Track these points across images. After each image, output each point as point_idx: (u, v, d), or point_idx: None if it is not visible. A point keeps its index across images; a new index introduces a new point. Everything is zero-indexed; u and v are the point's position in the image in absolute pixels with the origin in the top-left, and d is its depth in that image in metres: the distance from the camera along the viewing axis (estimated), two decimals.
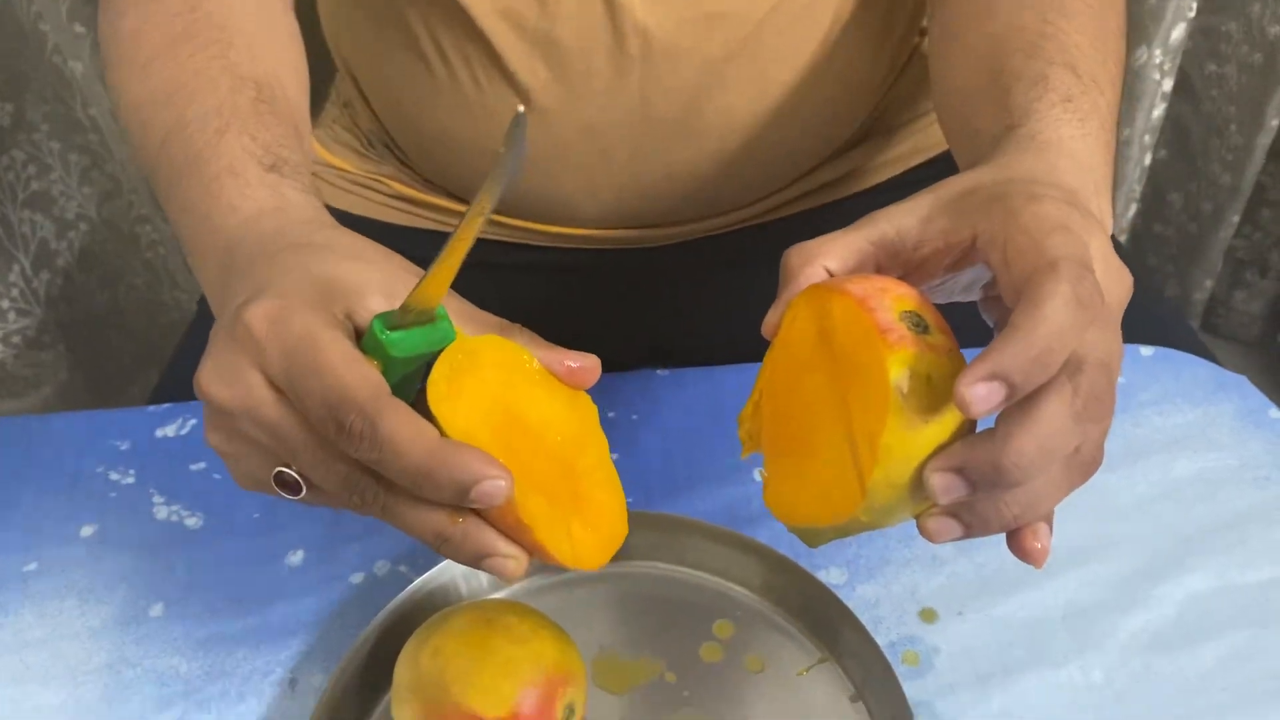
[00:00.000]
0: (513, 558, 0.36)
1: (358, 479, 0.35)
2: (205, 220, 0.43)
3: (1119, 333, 0.36)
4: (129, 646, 0.53)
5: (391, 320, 0.35)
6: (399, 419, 0.33)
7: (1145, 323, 0.65)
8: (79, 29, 1.09)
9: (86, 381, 1.38)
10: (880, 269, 0.40)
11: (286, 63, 0.52)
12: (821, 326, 0.37)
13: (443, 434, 0.34)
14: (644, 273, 0.69)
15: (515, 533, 0.36)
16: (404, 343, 0.35)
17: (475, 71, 0.59)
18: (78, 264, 1.32)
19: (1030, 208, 0.36)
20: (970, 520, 0.35)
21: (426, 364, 0.36)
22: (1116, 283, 0.37)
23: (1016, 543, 0.36)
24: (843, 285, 0.36)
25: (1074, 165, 0.41)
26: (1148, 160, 1.22)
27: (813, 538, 0.39)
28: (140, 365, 1.40)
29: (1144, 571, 0.53)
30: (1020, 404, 0.32)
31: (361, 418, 0.33)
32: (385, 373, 0.35)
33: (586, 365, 0.39)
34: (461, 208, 0.68)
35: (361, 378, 0.33)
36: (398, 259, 0.40)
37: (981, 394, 0.31)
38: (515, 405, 0.38)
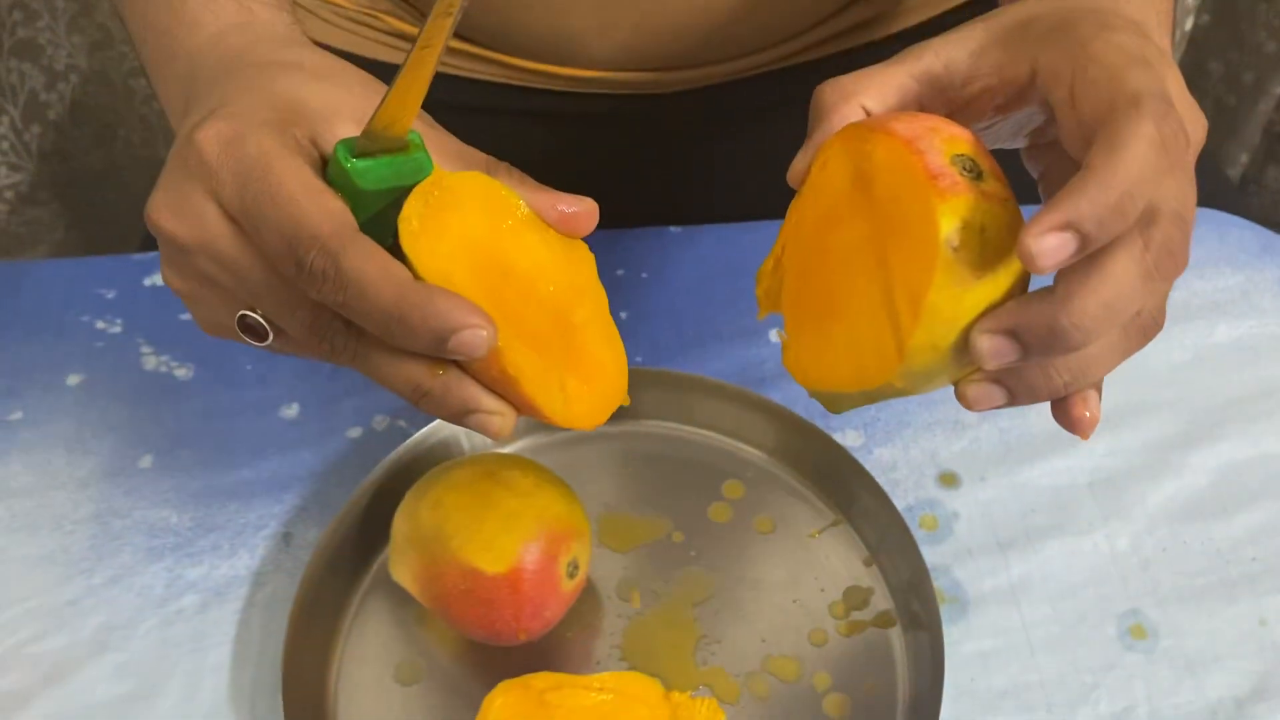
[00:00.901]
0: (498, 414, 0.33)
1: (325, 324, 0.32)
2: (167, 37, 0.39)
3: (1194, 181, 0.32)
4: (118, 498, 0.52)
5: (357, 147, 0.31)
6: (365, 256, 0.30)
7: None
8: None
9: (83, 240, 1.35)
10: (923, 108, 0.36)
11: None
12: (859, 171, 0.33)
13: (416, 276, 0.31)
14: (657, 122, 0.65)
15: (502, 386, 0.33)
16: (371, 172, 0.31)
17: None
18: (70, 117, 1.27)
19: (1103, 36, 0.32)
20: (1015, 387, 0.32)
21: (398, 200, 0.32)
22: (1194, 126, 0.34)
23: (1063, 411, 0.34)
24: (886, 124, 0.33)
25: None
26: (1189, 25, 1.15)
27: (836, 403, 0.36)
28: (136, 223, 1.37)
29: (1177, 439, 0.51)
30: (1085, 259, 0.29)
31: (323, 254, 0.29)
32: (353, 208, 0.31)
33: (582, 210, 0.36)
34: (463, 46, 0.63)
35: (323, 209, 0.30)
36: (375, 84, 0.36)
37: (1052, 245, 0.28)
38: (501, 249, 0.34)
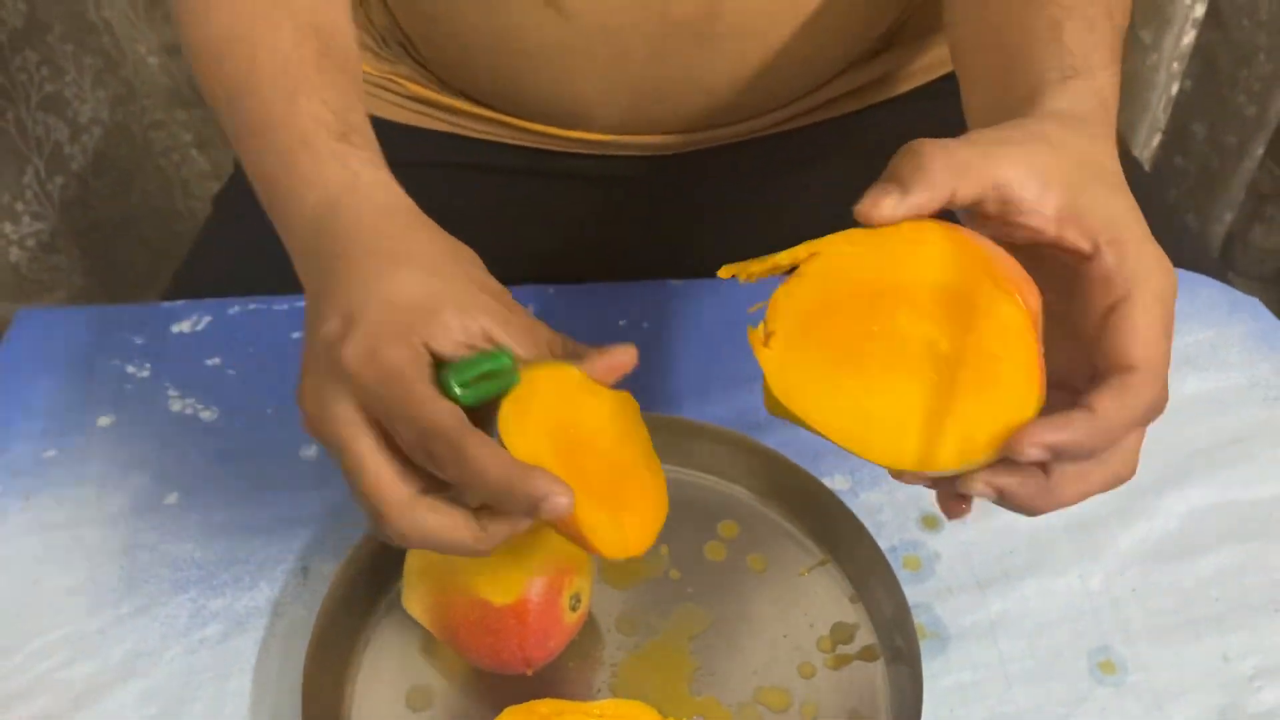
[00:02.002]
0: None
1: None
2: (286, 191, 0.45)
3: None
4: (145, 532, 0.55)
5: (461, 373, 0.39)
6: (479, 445, 0.36)
7: (1165, 248, 0.65)
8: None
9: (100, 287, 1.39)
10: (980, 207, 0.38)
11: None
12: (965, 291, 0.36)
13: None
14: (660, 181, 0.69)
15: (573, 533, 0.39)
16: (473, 395, 0.39)
17: None
18: (91, 168, 1.32)
19: (1155, 284, 0.36)
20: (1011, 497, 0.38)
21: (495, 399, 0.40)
22: (1166, 282, 0.37)
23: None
24: (1015, 281, 0.36)
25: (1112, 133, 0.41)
26: (1174, 90, 1.20)
27: (783, 416, 0.38)
28: (153, 272, 1.41)
29: (1147, 486, 0.54)
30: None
31: (447, 446, 0.36)
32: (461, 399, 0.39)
33: (616, 362, 0.41)
34: (477, 110, 0.67)
35: (444, 410, 0.37)
36: (465, 262, 0.42)
37: (1035, 455, 0.35)
38: (569, 420, 0.41)
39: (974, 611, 0.50)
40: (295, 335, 0.63)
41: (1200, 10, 1.12)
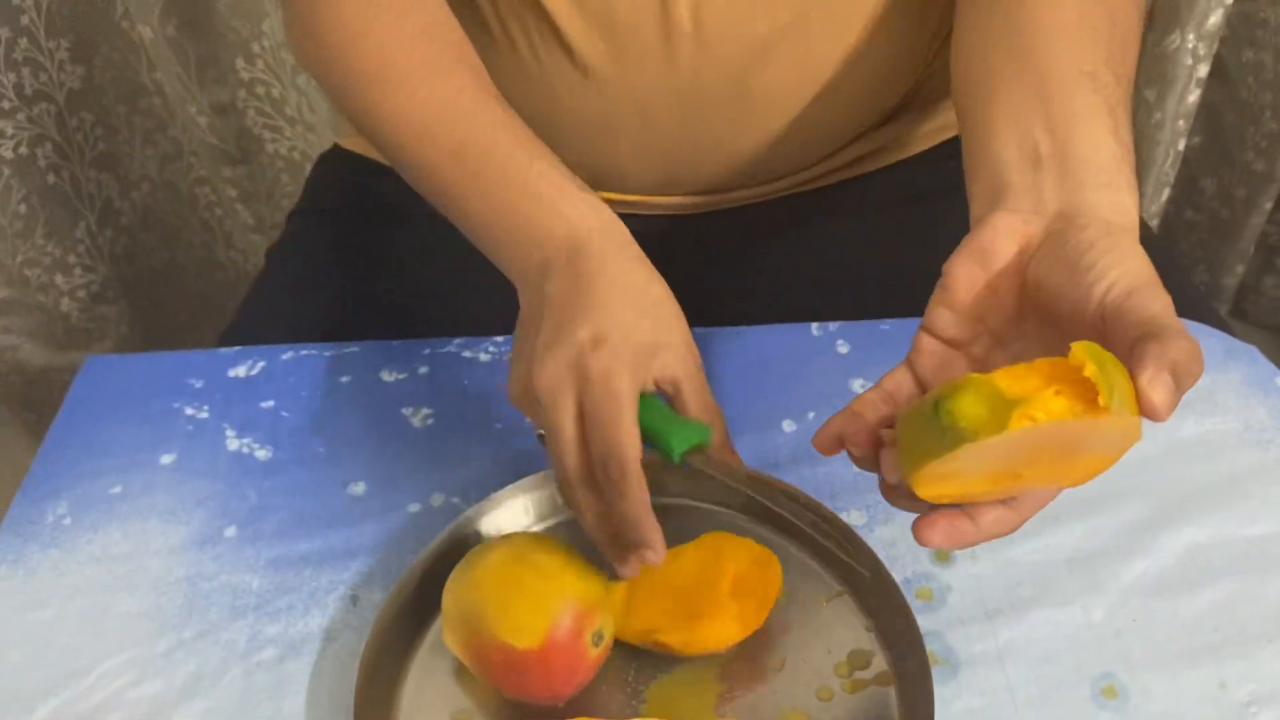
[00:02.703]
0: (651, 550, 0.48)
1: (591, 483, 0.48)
2: (531, 223, 0.53)
3: None
4: (206, 563, 0.58)
5: (684, 442, 0.49)
6: (636, 480, 0.46)
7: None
8: None
9: (144, 336, 1.44)
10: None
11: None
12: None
13: None
14: (688, 236, 0.73)
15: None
16: (681, 458, 0.49)
17: (534, 42, 0.63)
18: (140, 222, 1.38)
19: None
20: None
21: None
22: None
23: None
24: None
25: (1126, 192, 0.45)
26: (1181, 145, 1.24)
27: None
28: (195, 321, 1.46)
29: (1147, 523, 0.57)
30: None
31: (619, 469, 0.46)
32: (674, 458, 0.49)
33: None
34: None
35: (634, 443, 0.46)
36: (681, 321, 0.51)
37: (1161, 393, 0.37)
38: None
39: (983, 640, 0.53)
40: (343, 379, 0.67)
41: (1204, 70, 1.17)
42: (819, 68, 0.64)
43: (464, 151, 0.55)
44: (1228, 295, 1.40)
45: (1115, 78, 0.48)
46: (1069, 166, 0.45)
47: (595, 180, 0.70)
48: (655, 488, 0.48)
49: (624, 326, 0.48)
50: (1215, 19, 1.12)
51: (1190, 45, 1.11)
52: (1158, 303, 0.39)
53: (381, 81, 0.57)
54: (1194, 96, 1.18)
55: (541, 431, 0.50)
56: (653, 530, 0.47)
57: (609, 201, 0.71)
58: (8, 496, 0.63)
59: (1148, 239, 0.45)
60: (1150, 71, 1.16)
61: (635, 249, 0.52)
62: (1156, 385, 0.37)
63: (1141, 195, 1.26)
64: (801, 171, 0.71)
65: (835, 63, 0.65)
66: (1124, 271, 0.40)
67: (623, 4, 0.61)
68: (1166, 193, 1.30)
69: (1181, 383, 0.37)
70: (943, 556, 0.56)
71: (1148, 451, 0.60)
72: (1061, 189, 0.44)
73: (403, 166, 0.59)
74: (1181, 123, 1.21)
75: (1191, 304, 0.69)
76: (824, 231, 0.73)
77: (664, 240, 0.73)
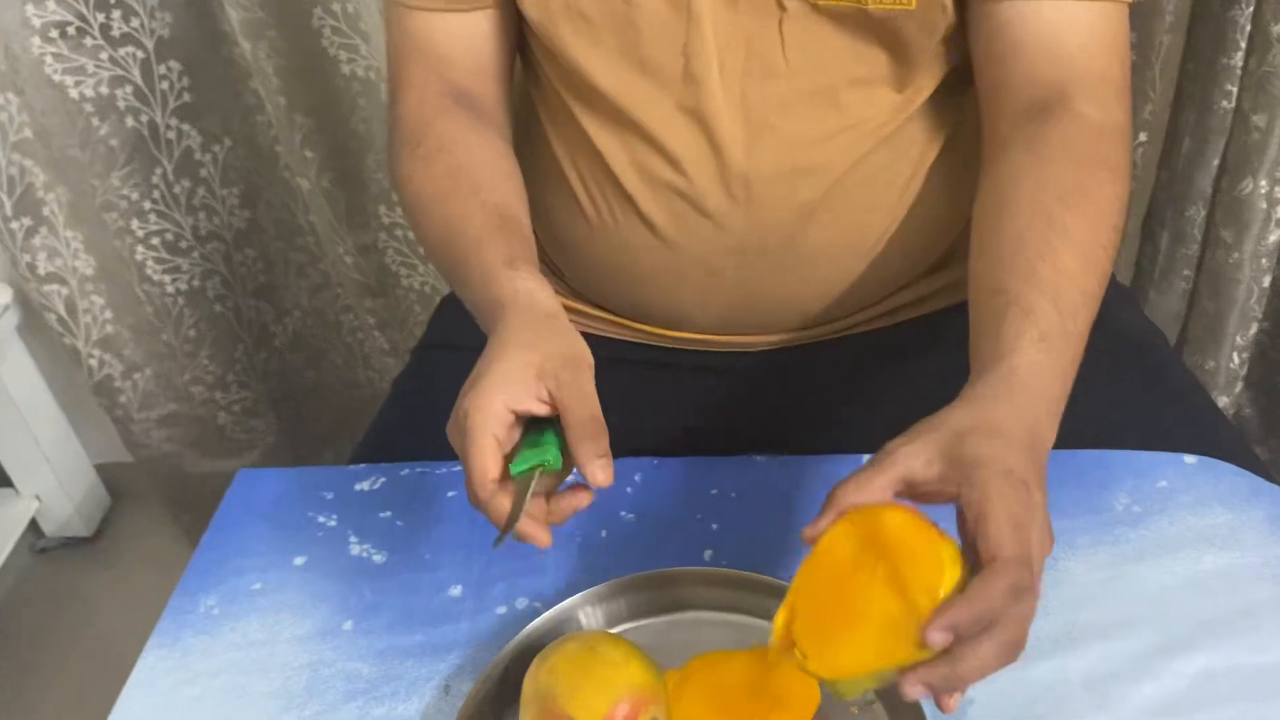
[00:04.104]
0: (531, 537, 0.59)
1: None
2: (480, 304, 0.66)
3: (1035, 602, 0.50)
4: (325, 652, 0.68)
5: (518, 465, 0.58)
6: (492, 494, 0.57)
7: (1195, 431, 0.74)
8: (309, 154, 1.31)
9: (289, 445, 1.59)
10: (900, 497, 0.54)
11: (514, 192, 0.74)
12: (869, 534, 0.52)
13: None
14: (748, 372, 0.82)
15: None
16: (520, 474, 0.58)
17: (614, 211, 0.74)
18: (290, 345, 1.54)
19: (1001, 495, 0.50)
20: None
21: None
22: (1045, 546, 0.51)
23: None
24: (890, 504, 0.52)
25: (1037, 399, 0.56)
26: (1266, 282, 1.27)
27: (847, 689, 0.53)
28: (333, 433, 1.61)
29: (1161, 648, 0.62)
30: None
31: (477, 484, 0.57)
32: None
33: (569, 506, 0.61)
34: (603, 314, 0.83)
35: (480, 465, 0.57)
36: (561, 341, 0.60)
37: (938, 639, 0.47)
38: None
39: None
40: (449, 494, 0.78)
41: None
42: (862, 227, 0.74)
43: (452, 250, 0.69)
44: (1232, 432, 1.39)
45: (1054, 301, 0.59)
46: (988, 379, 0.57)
47: (667, 322, 0.80)
48: (706, 603, 0.58)
49: (499, 363, 0.58)
50: None
51: (1263, 190, 1.16)
52: (991, 537, 0.49)
53: (415, 207, 0.74)
54: (1275, 236, 1.22)
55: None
56: (533, 533, 0.58)
57: (678, 339, 0.81)
58: (163, 584, 0.75)
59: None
60: (1226, 214, 1.20)
61: (539, 303, 0.63)
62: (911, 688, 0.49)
63: (1227, 331, 1.29)
64: (855, 315, 0.80)
65: (876, 222, 0.74)
66: (980, 498, 0.50)
67: (685, 180, 0.72)
68: (1255, 326, 1.32)
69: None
70: None
71: (1166, 582, 0.65)
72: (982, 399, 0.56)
73: (421, 243, 0.76)
74: (1265, 260, 1.24)
75: (1223, 445, 0.74)
76: (880, 371, 0.80)
77: (728, 376, 0.83)
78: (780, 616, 0.54)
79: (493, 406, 0.57)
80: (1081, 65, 0.68)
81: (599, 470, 0.56)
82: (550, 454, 0.58)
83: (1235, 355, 1.31)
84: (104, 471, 1.72)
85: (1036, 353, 0.57)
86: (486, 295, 0.65)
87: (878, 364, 0.81)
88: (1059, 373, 0.58)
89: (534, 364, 0.58)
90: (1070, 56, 0.68)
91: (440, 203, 0.72)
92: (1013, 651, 0.49)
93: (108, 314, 1.43)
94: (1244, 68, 1.13)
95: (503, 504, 0.57)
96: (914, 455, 0.53)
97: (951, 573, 0.49)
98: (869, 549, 0.51)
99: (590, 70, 0.72)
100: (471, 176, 0.72)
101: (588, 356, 0.61)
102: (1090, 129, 0.67)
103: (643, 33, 0.71)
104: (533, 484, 0.57)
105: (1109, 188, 0.65)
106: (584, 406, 0.57)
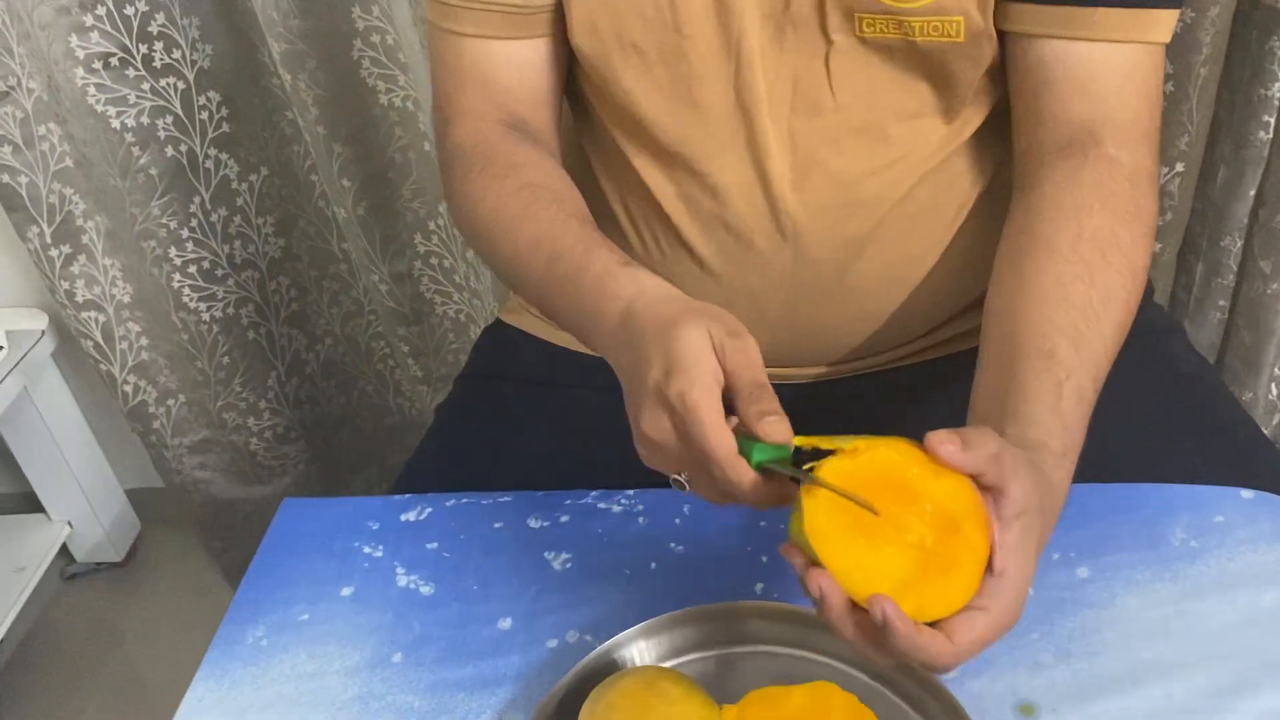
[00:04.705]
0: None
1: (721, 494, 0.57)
2: (596, 309, 0.64)
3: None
4: (375, 684, 0.68)
5: (756, 455, 0.55)
6: (736, 469, 0.54)
7: (1251, 466, 0.73)
8: (345, 183, 1.32)
9: (320, 473, 1.60)
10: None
11: (580, 200, 0.73)
12: (954, 514, 0.52)
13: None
14: (792, 403, 0.81)
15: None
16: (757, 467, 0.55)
17: (661, 245, 0.75)
18: (322, 372, 1.54)
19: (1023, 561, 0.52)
20: None
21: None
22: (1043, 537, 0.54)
23: None
24: (985, 517, 0.53)
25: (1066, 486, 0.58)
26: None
27: (804, 550, 0.53)
28: (364, 460, 1.61)
29: (1226, 688, 0.61)
30: None
31: (719, 466, 0.54)
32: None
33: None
34: None
35: (721, 443, 0.54)
36: (716, 318, 0.58)
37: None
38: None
39: None
40: (496, 525, 0.77)
41: None
42: (906, 263, 0.74)
43: (552, 264, 0.68)
44: None
45: (1075, 349, 0.61)
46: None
47: None
48: (763, 637, 0.57)
49: (682, 347, 0.56)
50: None
51: None
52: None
53: (497, 225, 0.72)
54: None
55: (675, 477, 0.58)
56: (760, 497, 0.55)
57: None
58: (192, 610, 0.74)
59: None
60: (1264, 245, 1.20)
61: (670, 291, 0.62)
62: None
63: (1265, 362, 1.28)
64: (901, 348, 0.80)
65: (921, 258, 0.74)
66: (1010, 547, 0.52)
67: (734, 212, 0.72)
68: None
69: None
70: (1027, 710, 0.61)
71: (1229, 619, 0.64)
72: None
73: (499, 261, 0.73)
74: None
75: (1277, 478, 0.73)
76: (927, 403, 0.80)
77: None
78: (845, 445, 0.54)
79: (706, 382, 0.55)
80: (1113, 106, 0.69)
81: (771, 427, 0.55)
82: (782, 450, 0.55)
83: (1274, 386, 1.31)
84: (135, 497, 1.73)
85: (1080, 439, 0.60)
86: (602, 298, 0.63)
87: (921, 397, 0.81)
88: (1079, 431, 0.60)
89: (705, 336, 0.57)
90: (1101, 97, 0.69)
91: (524, 216, 0.71)
92: (1001, 628, 0.52)
93: (144, 341, 1.43)
94: None
95: (767, 491, 0.55)
96: (1023, 483, 0.53)
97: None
98: (944, 516, 0.52)
99: (641, 103, 0.72)
100: (551, 189, 0.72)
101: (741, 326, 0.59)
102: (1123, 175, 0.68)
103: (693, 65, 0.71)
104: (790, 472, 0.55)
105: (1143, 242, 0.67)
106: (751, 370, 0.56)
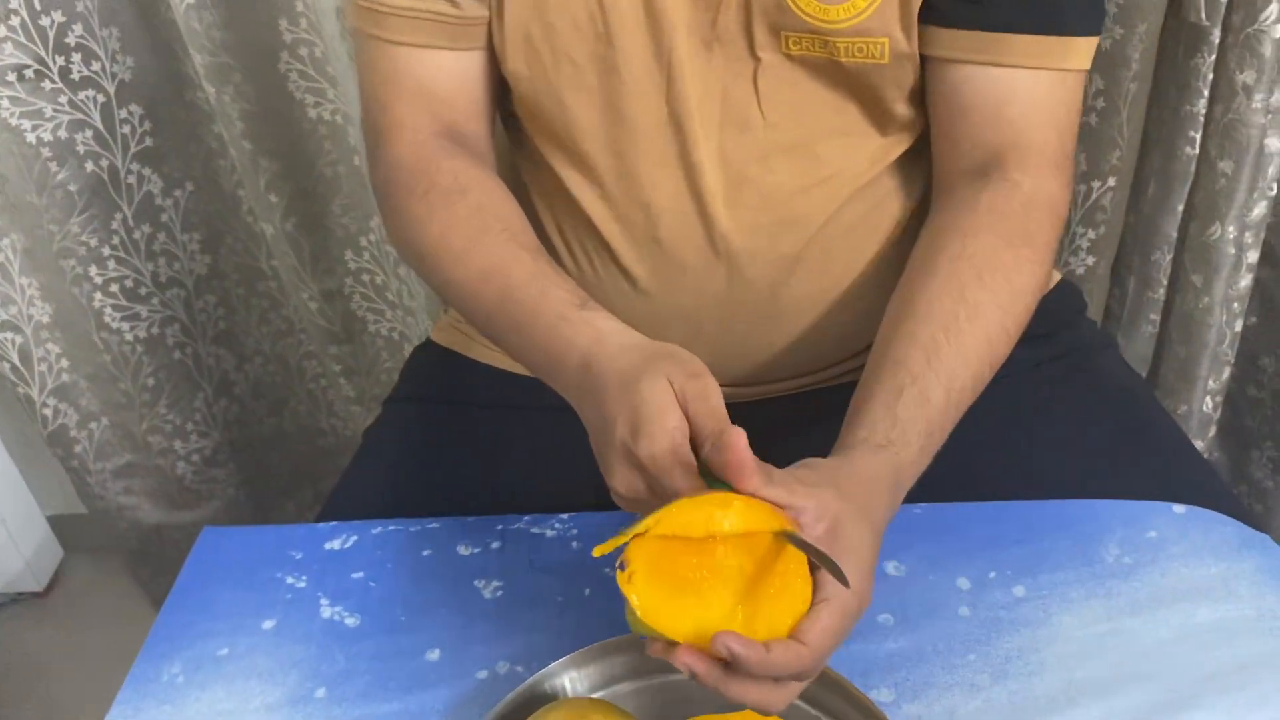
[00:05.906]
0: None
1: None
2: (556, 357, 0.62)
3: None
4: None
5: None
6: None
7: (1182, 481, 0.73)
8: (274, 199, 1.29)
9: (250, 497, 1.55)
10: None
11: (528, 227, 0.71)
12: (755, 524, 0.53)
13: None
14: (735, 423, 0.80)
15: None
16: None
17: (594, 263, 0.73)
18: (251, 392, 1.50)
19: (836, 609, 0.52)
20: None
21: None
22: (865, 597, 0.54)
23: None
24: (786, 519, 0.54)
25: (899, 492, 0.59)
26: (1238, 326, 1.27)
27: (649, 634, 0.52)
28: (296, 483, 1.57)
29: (1161, 704, 0.60)
30: None
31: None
32: None
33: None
34: None
35: (689, 489, 0.54)
36: (673, 362, 0.58)
37: (720, 650, 0.49)
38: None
39: None
40: (425, 552, 0.75)
41: (1254, 256, 1.22)
42: (839, 281, 0.73)
43: (505, 301, 0.66)
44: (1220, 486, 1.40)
45: (926, 358, 0.62)
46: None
47: None
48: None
49: (645, 404, 0.55)
50: (1260, 210, 1.18)
51: (1231, 235, 1.17)
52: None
53: (444, 253, 0.70)
54: (1246, 281, 1.23)
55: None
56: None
57: None
58: (117, 641, 0.71)
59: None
60: (1195, 259, 1.21)
61: (629, 338, 0.61)
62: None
63: (1199, 375, 1.29)
64: (837, 365, 0.79)
65: (854, 277, 0.73)
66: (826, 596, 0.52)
67: (667, 232, 0.71)
68: (1228, 371, 1.33)
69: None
70: None
71: (1163, 636, 0.64)
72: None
73: (446, 289, 0.70)
74: (1236, 305, 1.25)
75: (1210, 494, 0.73)
76: None
77: None
78: (637, 528, 0.53)
79: (675, 440, 0.55)
80: (1021, 131, 0.69)
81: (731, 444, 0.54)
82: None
83: (1209, 399, 1.32)
84: (56, 524, 1.67)
85: (918, 452, 0.60)
86: (559, 343, 0.62)
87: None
88: (923, 467, 0.61)
89: (667, 387, 0.56)
90: (1011, 121, 0.69)
91: (474, 247, 0.68)
92: (762, 707, 0.52)
93: (64, 362, 1.39)
94: (1208, 115, 1.15)
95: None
96: (811, 501, 0.54)
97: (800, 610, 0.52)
98: (748, 540, 0.52)
99: (574, 119, 0.71)
100: (499, 216, 0.70)
101: (702, 366, 0.58)
102: (1020, 199, 0.68)
103: (624, 78, 0.70)
104: None
105: (1029, 268, 0.67)
106: (713, 417, 0.56)
